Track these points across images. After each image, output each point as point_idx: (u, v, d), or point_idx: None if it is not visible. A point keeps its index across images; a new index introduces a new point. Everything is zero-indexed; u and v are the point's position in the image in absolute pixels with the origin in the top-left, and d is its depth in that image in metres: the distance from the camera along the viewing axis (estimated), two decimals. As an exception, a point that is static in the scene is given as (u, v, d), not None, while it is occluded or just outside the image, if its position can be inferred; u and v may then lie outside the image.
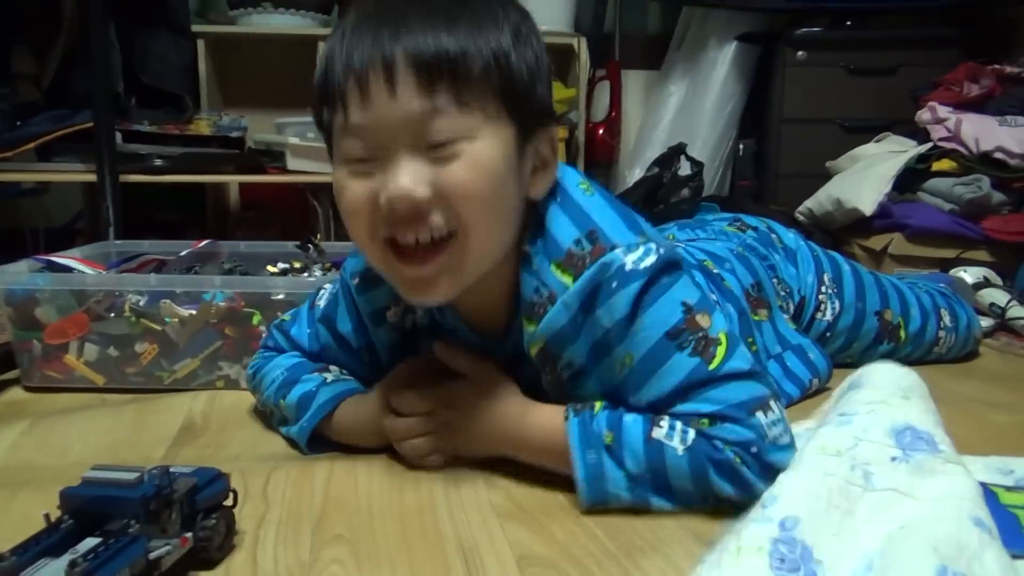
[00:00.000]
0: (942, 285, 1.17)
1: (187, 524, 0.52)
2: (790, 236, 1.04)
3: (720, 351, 0.62)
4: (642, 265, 0.62)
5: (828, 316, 1.00)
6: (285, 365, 0.79)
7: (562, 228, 0.64)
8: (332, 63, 0.60)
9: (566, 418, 0.63)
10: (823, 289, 1.00)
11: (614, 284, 0.62)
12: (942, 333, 1.07)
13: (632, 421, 0.62)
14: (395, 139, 0.58)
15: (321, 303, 0.81)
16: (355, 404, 0.73)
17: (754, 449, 0.59)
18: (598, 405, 0.64)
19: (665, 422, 0.61)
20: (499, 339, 0.71)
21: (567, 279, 0.63)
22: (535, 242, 0.65)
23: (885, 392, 0.60)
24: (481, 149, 0.59)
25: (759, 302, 0.91)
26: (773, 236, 1.02)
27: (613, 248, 0.62)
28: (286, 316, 0.85)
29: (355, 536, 0.58)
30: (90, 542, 0.48)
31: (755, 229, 1.03)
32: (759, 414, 0.60)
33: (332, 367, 0.79)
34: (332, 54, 0.60)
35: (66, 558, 0.46)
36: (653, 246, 0.63)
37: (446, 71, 0.57)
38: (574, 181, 0.68)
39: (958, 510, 0.48)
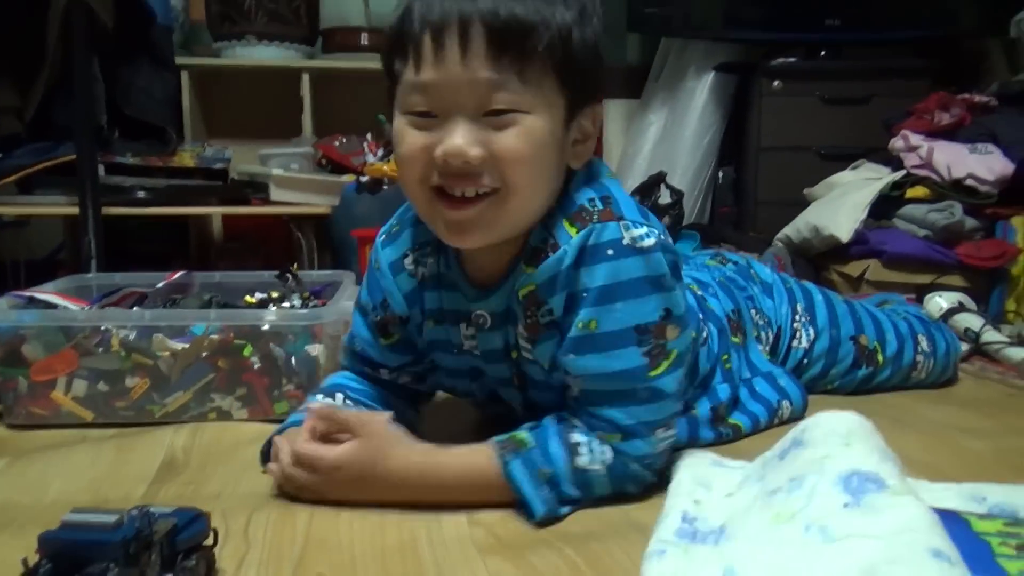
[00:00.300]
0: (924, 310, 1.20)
1: (167, 566, 0.52)
2: (766, 271, 1.08)
3: (664, 364, 0.69)
4: (639, 244, 0.67)
5: (804, 343, 1.03)
6: (321, 385, 0.85)
7: (581, 189, 0.70)
8: (411, 14, 0.63)
9: (504, 461, 0.67)
10: (797, 318, 1.03)
11: (609, 251, 0.67)
12: (920, 358, 1.09)
13: (555, 451, 0.67)
14: (459, 101, 0.63)
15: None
16: (288, 435, 0.75)
17: (649, 461, 0.70)
18: (524, 440, 0.68)
19: (583, 444, 0.68)
20: (491, 290, 0.74)
21: (572, 231, 0.68)
22: (556, 202, 0.70)
23: (827, 446, 0.62)
24: (534, 122, 0.64)
25: (737, 327, 0.94)
26: (752, 271, 1.06)
27: (620, 219, 0.68)
28: None
29: (336, 574, 0.58)
30: None
31: (735, 263, 1.07)
32: (659, 431, 0.70)
33: (339, 393, 0.82)
34: (412, 6, 0.64)
35: None
36: (656, 231, 0.68)
37: (516, 42, 0.61)
38: (605, 168, 0.75)
39: (913, 545, 0.49)
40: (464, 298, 0.76)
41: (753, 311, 0.99)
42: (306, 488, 0.70)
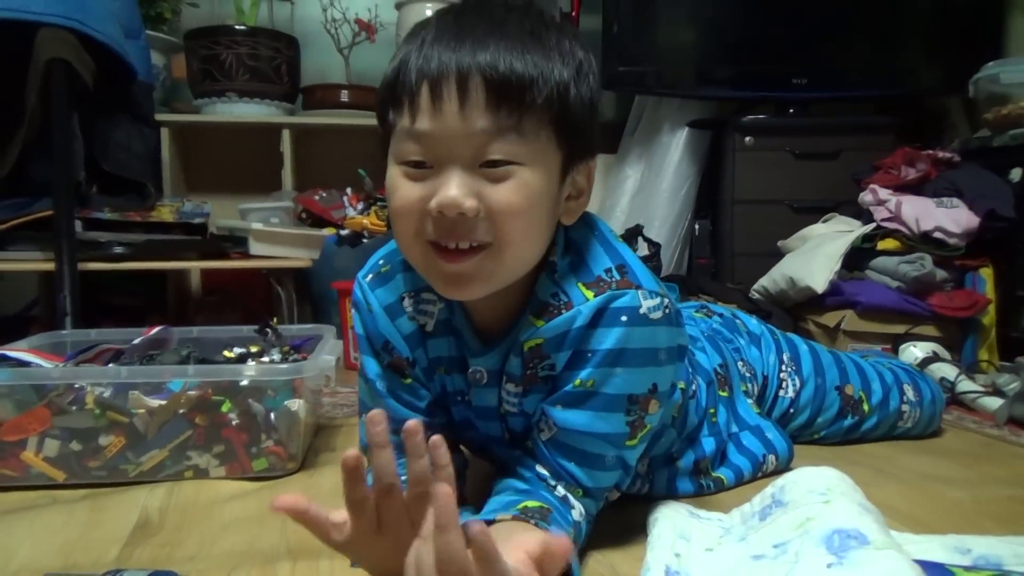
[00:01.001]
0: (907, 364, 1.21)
1: None
2: (753, 322, 1.10)
3: (640, 435, 0.70)
4: (651, 315, 0.67)
5: (790, 393, 1.04)
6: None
7: (597, 258, 0.70)
8: (407, 66, 0.63)
9: (546, 531, 0.62)
10: (783, 367, 1.04)
11: (623, 318, 0.66)
12: (905, 407, 1.10)
13: (563, 509, 0.67)
14: (454, 151, 0.62)
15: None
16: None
17: (595, 514, 0.73)
18: (542, 505, 0.66)
19: (569, 497, 0.69)
20: (494, 344, 0.73)
21: (588, 295, 0.68)
22: (565, 258, 0.71)
23: (806, 507, 0.64)
24: (530, 175, 0.63)
25: (724, 380, 0.95)
26: (738, 322, 1.08)
27: (638, 287, 0.68)
28: None
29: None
30: None
31: (720, 315, 1.08)
32: (608, 494, 0.74)
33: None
34: (408, 58, 0.64)
35: None
36: (666, 301, 0.69)
37: (515, 95, 0.61)
38: (607, 228, 0.74)
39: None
40: (468, 350, 0.75)
41: (740, 363, 1.00)
42: None
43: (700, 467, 0.87)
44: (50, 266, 1.51)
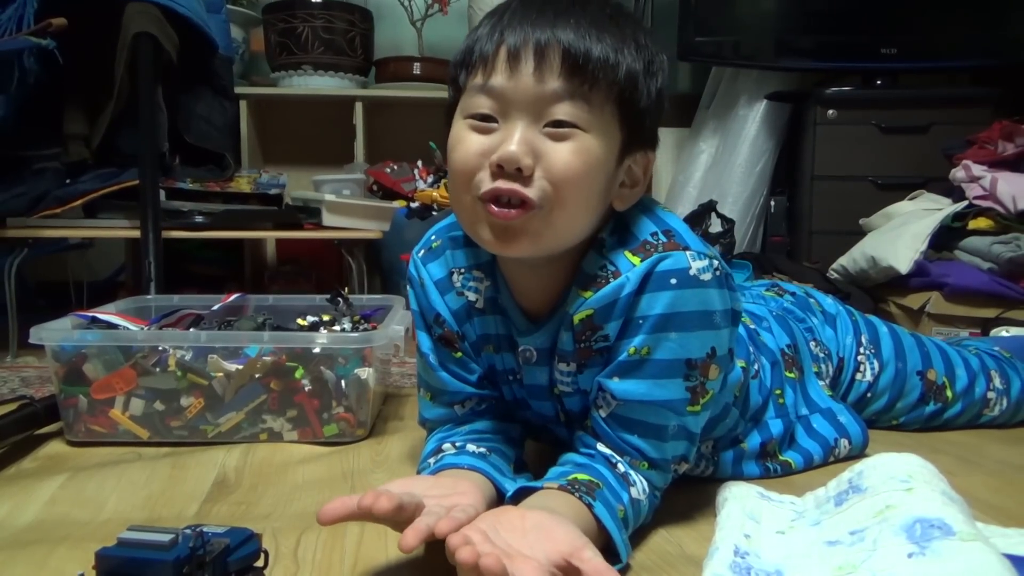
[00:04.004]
0: (996, 348, 1.14)
1: None
2: (829, 301, 1.06)
3: (702, 402, 0.69)
4: (702, 276, 0.66)
5: (868, 377, 1.00)
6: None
7: (641, 225, 0.70)
8: (486, 34, 0.66)
9: (589, 505, 0.62)
10: (861, 350, 1.00)
11: (672, 280, 0.66)
12: (991, 394, 1.05)
13: (618, 486, 0.66)
14: (524, 107, 0.64)
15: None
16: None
17: (663, 490, 0.72)
18: (592, 479, 0.65)
19: (631, 475, 0.68)
20: (542, 320, 0.73)
21: (635, 260, 0.67)
22: (613, 234, 0.70)
23: (886, 494, 0.61)
24: (591, 141, 0.64)
25: (792, 362, 0.92)
26: (811, 300, 1.04)
27: (686, 248, 0.67)
28: None
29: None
30: None
31: (793, 295, 1.05)
32: (677, 465, 0.72)
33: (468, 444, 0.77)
34: (488, 28, 0.66)
35: None
36: (716, 263, 0.68)
37: (589, 67, 0.63)
38: (654, 202, 0.74)
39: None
40: (516, 329, 0.75)
41: (812, 343, 0.96)
42: None
43: (767, 450, 0.85)
44: (136, 233, 1.57)
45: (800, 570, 0.60)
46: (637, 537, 0.68)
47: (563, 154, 0.64)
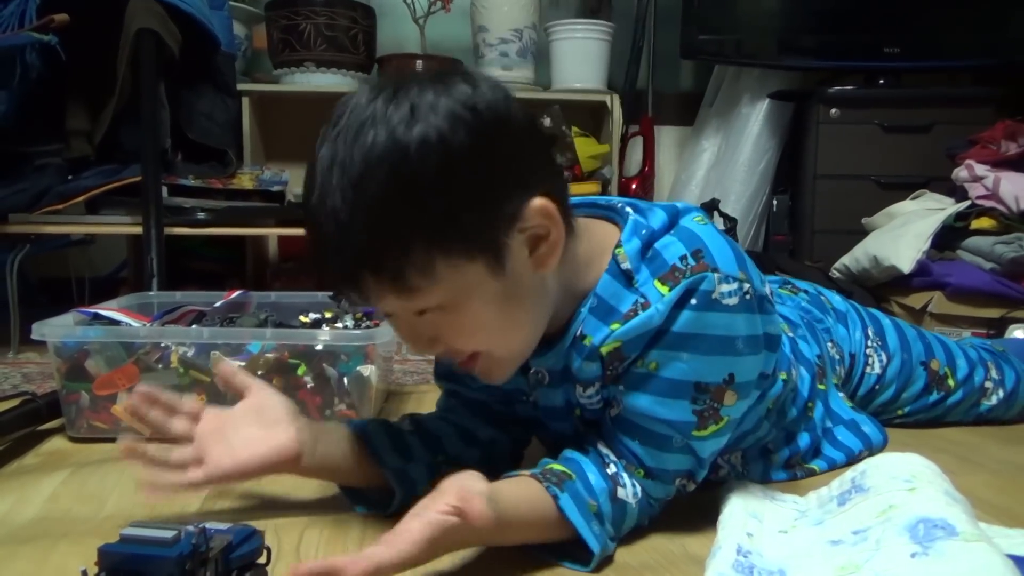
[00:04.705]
0: (989, 343, 1.16)
1: None
2: (837, 298, 1.05)
3: (712, 428, 0.66)
4: (725, 300, 0.64)
5: (877, 369, 1.00)
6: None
7: (671, 247, 0.65)
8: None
9: (553, 495, 0.62)
10: (869, 343, 1.00)
11: (693, 301, 0.63)
12: (989, 383, 1.06)
13: (597, 482, 0.65)
14: (394, 311, 0.63)
15: None
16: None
17: (663, 502, 0.70)
18: (564, 471, 0.65)
19: (620, 475, 0.66)
20: (551, 344, 0.70)
21: (664, 289, 0.64)
22: (643, 261, 0.66)
23: (889, 494, 0.61)
24: (456, 313, 0.61)
25: (822, 373, 0.91)
26: (823, 298, 1.03)
27: (714, 270, 0.64)
28: None
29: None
30: None
31: (806, 292, 1.03)
32: (680, 480, 0.69)
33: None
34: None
35: None
36: (746, 287, 0.65)
37: (384, 277, 0.58)
38: (691, 216, 0.69)
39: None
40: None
41: (830, 344, 0.95)
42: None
43: (792, 461, 0.85)
44: (138, 229, 1.57)
45: (803, 569, 0.59)
46: (638, 536, 0.68)
47: (448, 334, 0.63)
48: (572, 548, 0.63)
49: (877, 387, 1.00)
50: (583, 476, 0.65)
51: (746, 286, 0.65)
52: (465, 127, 0.57)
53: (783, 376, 0.78)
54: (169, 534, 0.51)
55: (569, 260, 0.66)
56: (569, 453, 0.69)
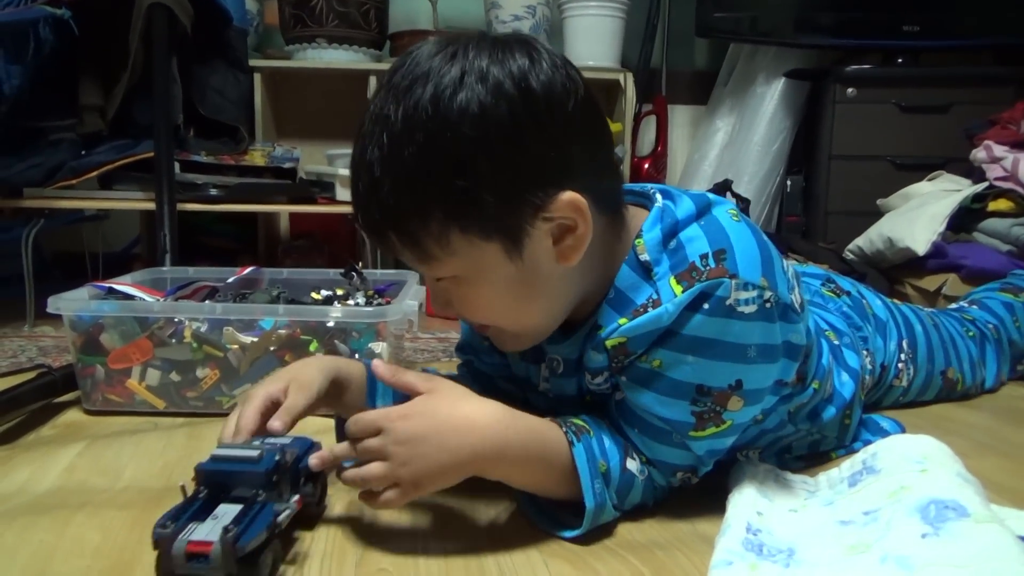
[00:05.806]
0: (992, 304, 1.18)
1: (293, 488, 0.61)
2: (879, 304, 1.01)
3: (711, 430, 0.65)
4: (739, 308, 0.61)
5: (904, 383, 1.01)
6: None
7: (695, 242, 0.63)
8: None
9: (570, 442, 0.63)
10: (902, 356, 1.00)
11: (705, 306, 0.61)
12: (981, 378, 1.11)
13: (610, 447, 0.65)
14: (418, 270, 0.66)
15: None
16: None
17: (666, 486, 0.69)
18: (586, 426, 0.65)
19: (633, 452, 0.67)
20: (570, 332, 0.70)
21: (678, 289, 0.62)
22: (667, 251, 0.64)
23: (901, 475, 0.61)
24: (468, 287, 0.63)
25: (862, 385, 0.89)
26: (864, 303, 0.99)
27: (733, 276, 0.61)
28: None
29: (399, 571, 0.58)
30: (227, 508, 0.55)
31: (848, 294, 1.00)
32: (679, 474, 0.68)
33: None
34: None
35: (213, 524, 0.53)
36: (767, 294, 0.62)
37: (405, 239, 0.61)
38: (724, 209, 0.67)
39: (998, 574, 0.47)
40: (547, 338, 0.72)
41: (865, 351, 0.93)
42: (377, 459, 0.59)
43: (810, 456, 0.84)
44: (151, 205, 1.58)
45: (813, 548, 0.60)
46: (647, 514, 0.68)
47: (465, 307, 0.65)
48: (569, 518, 0.63)
49: (901, 399, 1.01)
50: (600, 438, 0.65)
51: (767, 294, 0.62)
52: (508, 103, 0.56)
53: (815, 385, 0.76)
54: (255, 452, 0.59)
55: (606, 254, 0.65)
56: (588, 417, 0.68)
